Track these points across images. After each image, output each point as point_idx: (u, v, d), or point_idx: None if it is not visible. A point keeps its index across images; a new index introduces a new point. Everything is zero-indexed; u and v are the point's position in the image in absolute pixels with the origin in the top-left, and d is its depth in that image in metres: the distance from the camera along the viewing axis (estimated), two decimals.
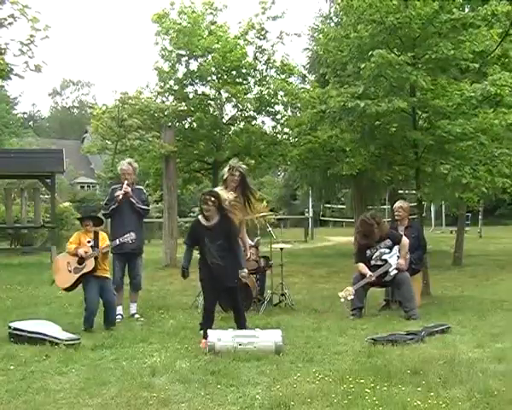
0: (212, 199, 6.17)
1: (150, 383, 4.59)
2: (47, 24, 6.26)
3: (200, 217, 6.35)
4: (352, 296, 7.41)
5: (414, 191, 11.23)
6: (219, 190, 7.29)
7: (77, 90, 68.94)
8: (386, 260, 7.63)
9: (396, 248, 7.68)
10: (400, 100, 8.55)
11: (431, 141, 8.90)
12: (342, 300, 7.47)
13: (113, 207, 7.50)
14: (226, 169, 7.50)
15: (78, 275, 6.74)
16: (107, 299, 6.81)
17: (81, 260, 6.70)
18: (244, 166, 7.60)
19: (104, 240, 6.86)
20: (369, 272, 7.55)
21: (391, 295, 8.17)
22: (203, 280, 6.34)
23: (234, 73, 14.87)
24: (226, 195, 6.82)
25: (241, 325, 6.23)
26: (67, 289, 6.98)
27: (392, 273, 7.57)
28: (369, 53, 8.54)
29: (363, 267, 7.65)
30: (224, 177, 7.50)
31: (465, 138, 8.65)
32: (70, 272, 6.78)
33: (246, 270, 6.29)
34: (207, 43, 14.33)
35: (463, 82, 8.80)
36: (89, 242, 6.79)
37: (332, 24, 15.42)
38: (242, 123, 15.76)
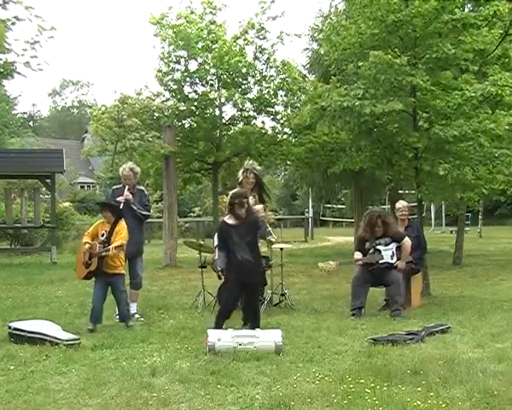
0: (246, 200, 6.34)
1: (150, 383, 4.58)
2: (53, 26, 6.26)
3: (226, 218, 6.43)
4: (331, 269, 7.64)
5: (414, 191, 11.23)
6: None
7: (76, 90, 68.98)
8: (380, 251, 7.67)
9: (393, 245, 7.70)
10: (397, 101, 8.54)
11: (428, 143, 8.89)
12: (321, 271, 7.68)
13: None
14: (241, 172, 7.51)
15: (87, 271, 6.77)
16: (115, 296, 6.83)
17: (91, 256, 6.69)
18: (258, 168, 7.60)
19: (118, 234, 6.72)
20: (360, 256, 7.67)
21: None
22: (229, 277, 6.36)
23: (233, 73, 14.88)
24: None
25: (255, 324, 6.24)
26: (84, 279, 6.98)
27: (381, 266, 7.60)
28: (369, 52, 8.53)
29: (357, 255, 7.74)
30: (239, 180, 7.51)
31: (464, 139, 8.65)
32: (83, 264, 6.80)
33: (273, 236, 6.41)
34: (204, 45, 14.37)
35: (466, 82, 8.75)
36: (102, 235, 6.76)
37: (335, 24, 15.36)
38: (241, 123, 15.77)
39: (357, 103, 8.50)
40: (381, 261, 7.61)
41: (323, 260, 15.51)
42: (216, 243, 6.72)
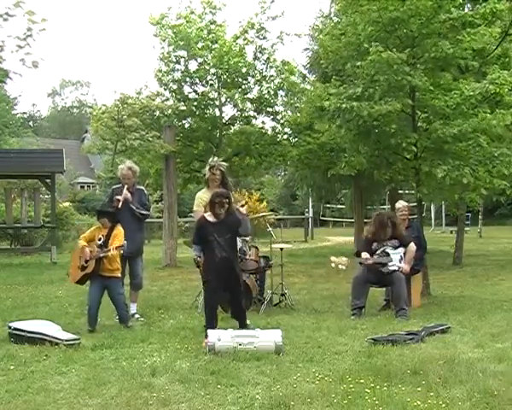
0: (227, 201, 6.38)
1: (150, 383, 4.58)
2: (43, 17, 6.22)
3: (206, 215, 6.49)
4: (344, 267, 7.63)
5: (413, 191, 11.22)
6: (202, 193, 7.40)
7: (76, 89, 68.93)
8: (388, 254, 7.66)
9: (401, 249, 7.71)
10: (396, 101, 8.54)
11: (427, 143, 8.89)
12: (333, 265, 7.69)
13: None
14: (207, 169, 7.51)
15: (82, 273, 6.77)
16: (113, 299, 6.82)
17: (87, 259, 6.70)
18: (224, 164, 7.61)
19: (116, 238, 6.73)
20: (368, 256, 7.62)
21: (391, 295, 8.17)
22: (208, 276, 6.39)
23: (233, 73, 14.88)
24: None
25: (242, 322, 6.33)
26: (78, 283, 7.00)
27: (390, 268, 7.58)
28: (368, 46, 8.51)
29: (365, 255, 7.70)
30: (206, 177, 7.52)
31: (464, 139, 8.65)
32: (78, 267, 6.81)
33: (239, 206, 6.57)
34: (204, 45, 14.39)
35: (465, 80, 8.76)
36: (100, 239, 6.76)
37: (332, 24, 15.40)
38: (241, 123, 15.76)
39: (354, 104, 8.50)
40: (390, 263, 7.60)
41: (324, 260, 15.54)
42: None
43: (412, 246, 7.81)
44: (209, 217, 6.42)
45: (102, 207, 7.25)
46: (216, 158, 7.78)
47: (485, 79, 8.55)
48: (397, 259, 7.65)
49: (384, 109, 8.41)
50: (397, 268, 7.59)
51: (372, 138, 9.50)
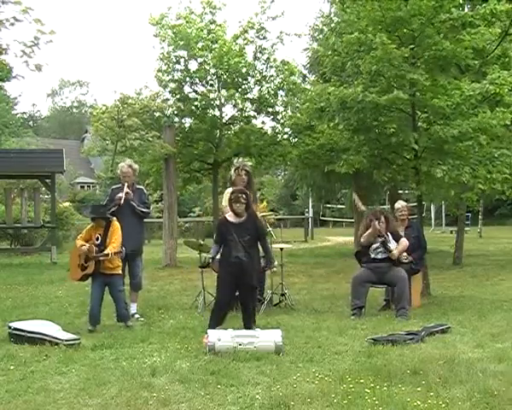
0: (244, 197, 6.38)
1: (150, 383, 4.58)
2: (53, 29, 6.28)
3: (227, 215, 6.52)
4: (359, 208, 7.83)
5: (413, 191, 11.23)
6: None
7: (74, 89, 68.87)
8: (388, 239, 7.71)
9: (395, 243, 7.75)
10: (400, 92, 8.56)
11: (427, 143, 8.90)
12: (355, 201, 7.90)
13: (113, 209, 7.45)
14: (233, 171, 7.56)
15: (82, 273, 6.78)
16: (113, 295, 6.83)
17: (87, 259, 6.70)
18: (249, 164, 7.66)
19: (113, 236, 6.73)
20: (375, 224, 7.63)
21: (391, 295, 8.17)
22: (222, 276, 6.42)
23: (233, 73, 14.88)
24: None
25: (248, 325, 6.31)
26: (79, 280, 7.01)
27: (389, 249, 7.63)
28: (373, 38, 8.52)
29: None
30: (233, 178, 7.56)
31: (464, 138, 8.65)
32: (78, 266, 6.82)
33: (276, 262, 6.65)
34: (204, 45, 14.40)
35: (464, 80, 8.79)
36: (97, 238, 6.76)
37: (332, 24, 15.40)
38: (241, 123, 15.76)
39: (359, 91, 8.51)
40: (391, 247, 7.64)
41: (324, 260, 15.59)
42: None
43: (405, 240, 7.87)
44: (230, 217, 6.47)
45: (92, 211, 7.20)
46: (241, 159, 7.82)
47: (485, 79, 8.55)
48: (393, 246, 7.70)
49: (391, 98, 8.40)
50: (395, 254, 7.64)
51: (372, 137, 9.50)
